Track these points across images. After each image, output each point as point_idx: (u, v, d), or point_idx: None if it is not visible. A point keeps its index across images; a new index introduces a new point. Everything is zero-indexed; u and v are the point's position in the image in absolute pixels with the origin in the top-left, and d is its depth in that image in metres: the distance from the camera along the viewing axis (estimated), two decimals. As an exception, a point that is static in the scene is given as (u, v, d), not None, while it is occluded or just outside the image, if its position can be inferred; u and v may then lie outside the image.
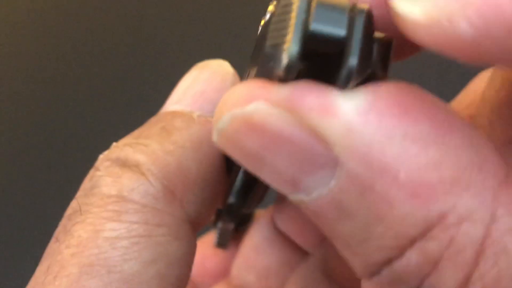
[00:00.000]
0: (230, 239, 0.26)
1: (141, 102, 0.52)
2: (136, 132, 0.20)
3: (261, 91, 0.15)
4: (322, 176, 0.15)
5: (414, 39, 0.14)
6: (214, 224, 0.26)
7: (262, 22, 0.17)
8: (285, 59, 0.14)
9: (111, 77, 0.55)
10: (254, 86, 0.15)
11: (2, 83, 0.56)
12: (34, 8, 0.60)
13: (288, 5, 0.15)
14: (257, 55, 0.17)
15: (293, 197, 0.15)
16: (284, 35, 0.14)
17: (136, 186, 0.18)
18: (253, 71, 0.17)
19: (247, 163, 0.16)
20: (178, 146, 0.19)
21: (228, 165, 0.20)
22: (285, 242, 0.25)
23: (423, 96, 0.15)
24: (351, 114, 0.14)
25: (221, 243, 0.26)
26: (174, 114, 0.20)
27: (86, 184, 0.19)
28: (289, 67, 0.14)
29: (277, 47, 0.14)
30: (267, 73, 0.15)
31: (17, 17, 0.60)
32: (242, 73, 0.20)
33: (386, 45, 0.16)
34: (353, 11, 0.14)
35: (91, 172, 0.19)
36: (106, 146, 0.19)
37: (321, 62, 0.15)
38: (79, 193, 0.19)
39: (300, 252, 0.25)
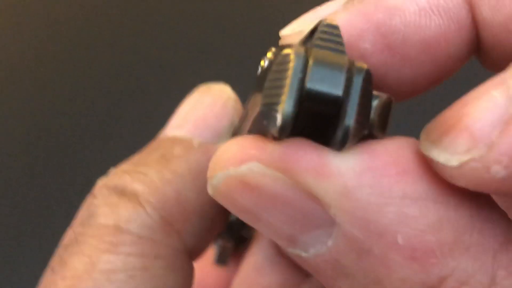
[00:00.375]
0: (230, 256, 0.26)
1: (142, 118, 0.52)
2: (135, 158, 0.19)
3: (254, 150, 0.15)
4: (319, 235, 0.14)
5: (450, 181, 0.14)
6: (214, 241, 0.25)
7: (262, 63, 0.17)
8: (279, 120, 0.14)
9: (113, 94, 0.54)
10: (247, 145, 0.15)
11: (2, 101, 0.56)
12: (33, 32, 0.59)
13: (284, 62, 0.14)
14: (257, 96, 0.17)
15: (291, 251, 0.15)
16: (279, 95, 0.14)
17: (133, 217, 0.17)
18: (254, 105, 0.17)
19: (242, 218, 0.15)
20: (177, 175, 0.18)
21: None
22: (286, 263, 0.25)
23: (421, 152, 0.15)
24: (346, 175, 0.14)
25: (221, 261, 0.26)
26: (174, 140, 0.19)
27: (83, 212, 0.18)
28: (283, 127, 0.14)
29: (272, 106, 0.14)
30: (261, 129, 0.15)
31: (16, 43, 0.59)
32: (243, 97, 0.20)
33: (385, 105, 0.16)
34: (351, 70, 0.14)
35: (89, 199, 0.19)
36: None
37: (317, 120, 0.14)
38: (76, 221, 0.18)
39: (301, 274, 0.25)
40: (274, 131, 0.14)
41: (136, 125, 0.52)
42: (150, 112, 0.52)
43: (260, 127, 0.15)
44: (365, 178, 0.14)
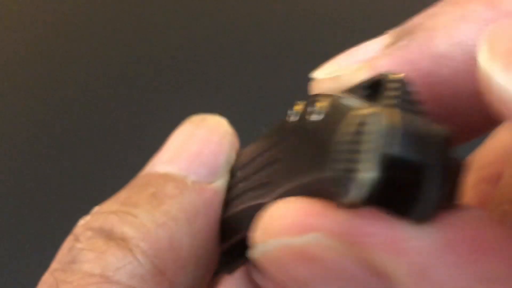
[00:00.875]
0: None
1: (127, 148, 0.51)
2: (121, 196, 0.17)
3: (318, 219, 0.13)
4: None
5: (501, 110, 0.12)
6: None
7: (288, 117, 0.16)
8: (357, 188, 0.12)
9: (104, 114, 0.53)
10: (309, 212, 0.13)
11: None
12: (31, 51, 0.58)
13: (363, 124, 0.12)
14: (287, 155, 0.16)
15: None
16: (357, 161, 0.12)
17: (122, 265, 0.16)
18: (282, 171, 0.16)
19: (288, 284, 0.14)
20: (170, 218, 0.16)
21: (223, 235, 0.18)
22: None
23: (501, 225, 0.13)
24: (425, 253, 0.12)
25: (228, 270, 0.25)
26: (166, 178, 0.17)
27: (64, 255, 0.17)
28: (360, 197, 0.12)
29: (347, 173, 0.12)
30: (322, 193, 0.13)
31: (14, 51, 0.58)
32: (239, 134, 0.18)
33: (458, 169, 0.14)
34: (436, 136, 0.13)
35: (70, 241, 0.17)
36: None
37: (394, 189, 0.13)
38: (56, 266, 0.17)
39: None
40: (347, 199, 0.12)
41: (122, 154, 0.51)
42: (134, 142, 0.51)
43: (319, 190, 0.13)
44: (447, 258, 0.12)
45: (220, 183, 0.18)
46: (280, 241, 0.13)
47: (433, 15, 0.15)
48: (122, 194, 0.17)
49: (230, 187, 0.18)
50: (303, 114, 0.15)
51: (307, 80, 0.17)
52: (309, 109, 0.15)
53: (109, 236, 0.16)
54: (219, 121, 0.18)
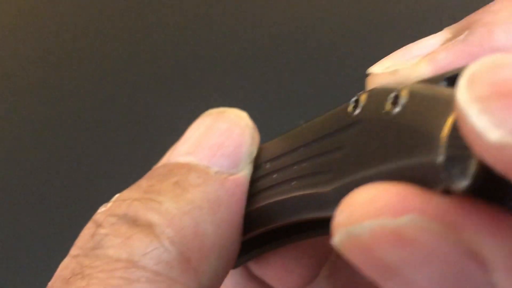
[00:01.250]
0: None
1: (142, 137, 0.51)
2: (143, 184, 0.17)
3: (415, 201, 0.13)
4: None
5: (474, 147, 0.12)
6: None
7: (350, 108, 0.16)
8: (469, 179, 0.12)
9: (112, 112, 0.53)
10: (408, 195, 0.13)
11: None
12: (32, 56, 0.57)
13: None
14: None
15: None
16: (468, 148, 0.12)
17: (149, 251, 0.16)
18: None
19: (371, 270, 0.14)
20: (194, 206, 0.17)
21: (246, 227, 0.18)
22: None
23: None
24: None
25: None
26: (189, 167, 0.18)
27: (86, 241, 0.17)
28: (475, 182, 0.12)
29: (461, 160, 0.12)
30: (413, 178, 0.13)
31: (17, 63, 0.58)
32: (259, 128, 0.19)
33: None
34: None
35: (91, 228, 0.17)
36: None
37: (496, 177, 0.13)
38: (77, 251, 0.17)
39: None
40: (458, 185, 0.12)
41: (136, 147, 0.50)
42: (138, 140, 0.51)
43: (412, 177, 0.14)
44: None
45: (243, 174, 0.18)
46: (374, 222, 0.13)
47: (492, 11, 0.16)
48: (144, 183, 0.18)
49: (255, 180, 0.18)
50: (373, 105, 0.15)
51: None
52: (380, 100, 0.15)
53: (134, 222, 0.16)
54: (240, 114, 0.19)
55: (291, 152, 0.18)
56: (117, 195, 0.18)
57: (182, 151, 0.18)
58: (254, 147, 0.19)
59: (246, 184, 0.18)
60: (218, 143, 0.18)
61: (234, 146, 0.18)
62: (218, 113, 0.19)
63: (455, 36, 0.16)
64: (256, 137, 0.19)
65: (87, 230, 0.17)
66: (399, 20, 0.55)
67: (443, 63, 0.15)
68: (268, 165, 0.18)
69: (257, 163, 0.19)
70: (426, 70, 0.16)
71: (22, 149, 0.52)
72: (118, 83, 0.54)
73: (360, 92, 0.16)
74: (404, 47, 0.17)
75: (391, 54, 0.17)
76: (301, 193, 0.17)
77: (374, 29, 0.54)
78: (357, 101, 0.16)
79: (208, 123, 0.19)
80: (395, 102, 0.15)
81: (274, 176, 0.18)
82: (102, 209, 0.17)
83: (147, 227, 0.16)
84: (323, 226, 0.16)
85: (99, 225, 0.17)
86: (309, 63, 0.54)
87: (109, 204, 0.17)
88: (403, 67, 0.16)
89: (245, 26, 0.56)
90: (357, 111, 0.16)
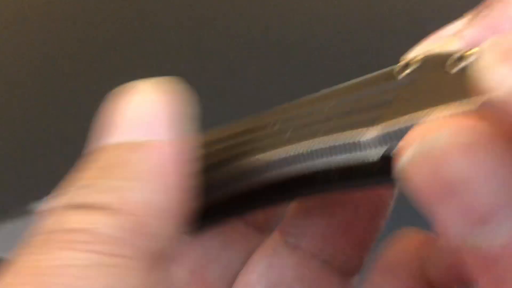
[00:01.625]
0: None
1: None
2: (87, 173, 0.18)
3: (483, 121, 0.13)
4: None
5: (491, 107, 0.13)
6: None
7: (397, 70, 0.17)
8: None
9: None
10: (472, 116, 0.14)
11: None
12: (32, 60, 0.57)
13: None
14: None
15: (470, 237, 0.13)
16: None
17: (104, 221, 0.16)
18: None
19: (432, 191, 0.14)
20: (142, 180, 0.17)
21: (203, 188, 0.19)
22: (296, 257, 0.24)
23: None
24: None
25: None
26: (120, 147, 0.18)
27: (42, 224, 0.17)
28: None
29: None
30: None
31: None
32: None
33: None
34: None
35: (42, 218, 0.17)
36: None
37: None
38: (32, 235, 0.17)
39: (313, 265, 0.24)
40: None
41: None
42: None
43: None
44: None
45: (176, 137, 0.18)
46: (448, 131, 0.13)
47: None
48: (86, 172, 0.18)
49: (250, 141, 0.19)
50: (430, 65, 0.16)
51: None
52: (441, 60, 0.16)
53: (83, 207, 0.17)
54: (151, 83, 0.19)
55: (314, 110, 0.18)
56: (61, 187, 0.18)
57: (107, 134, 0.18)
58: (186, 108, 0.19)
59: (186, 147, 0.18)
60: (137, 116, 0.18)
61: (153, 115, 0.18)
62: (130, 89, 0.19)
63: (477, 14, 0.18)
64: (182, 97, 0.19)
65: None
66: (399, 20, 0.55)
67: (470, 38, 0.17)
68: (277, 126, 0.19)
69: (260, 125, 0.19)
70: (456, 46, 0.17)
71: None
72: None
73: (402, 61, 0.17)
74: (432, 35, 0.18)
75: (421, 42, 0.18)
76: (335, 143, 0.17)
77: (374, 29, 0.54)
78: (407, 64, 0.17)
79: (123, 100, 0.19)
80: (458, 61, 0.16)
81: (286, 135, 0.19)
82: (55, 204, 0.17)
83: (102, 208, 0.17)
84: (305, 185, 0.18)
85: (59, 215, 0.17)
86: (309, 62, 0.54)
87: (60, 199, 0.17)
88: (435, 47, 0.17)
89: (241, 24, 0.57)
90: (407, 71, 0.17)
